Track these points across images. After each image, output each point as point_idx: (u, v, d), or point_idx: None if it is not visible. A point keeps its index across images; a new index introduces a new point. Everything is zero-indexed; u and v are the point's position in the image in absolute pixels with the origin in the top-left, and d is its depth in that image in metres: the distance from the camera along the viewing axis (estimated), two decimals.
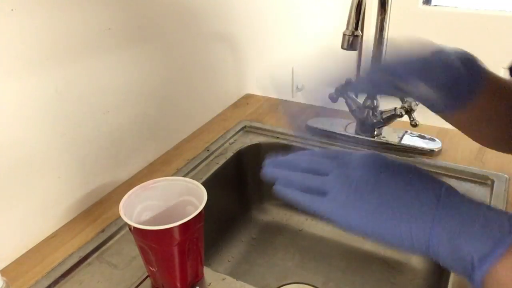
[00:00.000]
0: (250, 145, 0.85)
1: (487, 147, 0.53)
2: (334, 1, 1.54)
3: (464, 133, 0.49)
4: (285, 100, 1.04)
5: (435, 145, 0.79)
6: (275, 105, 1.00)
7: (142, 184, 0.53)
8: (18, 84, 0.54)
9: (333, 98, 0.83)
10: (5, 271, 0.56)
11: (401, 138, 0.82)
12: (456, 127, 0.47)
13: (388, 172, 0.35)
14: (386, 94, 0.44)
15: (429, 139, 0.82)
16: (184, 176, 0.74)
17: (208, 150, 0.82)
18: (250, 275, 0.76)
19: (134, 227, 0.46)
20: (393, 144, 0.81)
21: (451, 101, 0.42)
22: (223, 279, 0.55)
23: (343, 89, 0.43)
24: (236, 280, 0.55)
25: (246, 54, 1.05)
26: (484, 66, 0.42)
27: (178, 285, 0.52)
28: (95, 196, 0.69)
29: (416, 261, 0.77)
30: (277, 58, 1.23)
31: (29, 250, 0.60)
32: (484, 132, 0.48)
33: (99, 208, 0.68)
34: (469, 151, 0.79)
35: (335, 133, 0.85)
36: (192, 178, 0.66)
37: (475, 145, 0.68)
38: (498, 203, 0.65)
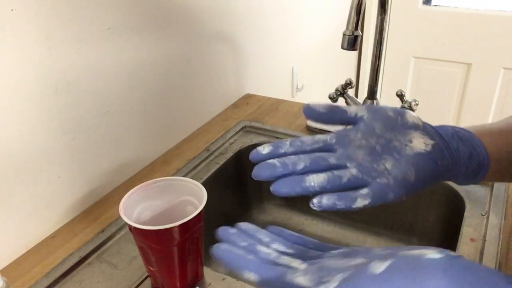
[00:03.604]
0: (250, 145, 0.85)
1: None
2: (334, 1, 1.54)
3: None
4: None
5: None
6: (275, 105, 1.00)
7: (142, 184, 0.53)
8: (18, 84, 0.54)
9: (333, 98, 0.83)
10: (5, 271, 0.56)
11: None
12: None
13: None
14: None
15: None
16: (184, 176, 0.74)
17: (208, 150, 0.82)
18: None
19: (134, 227, 0.46)
20: None
21: (466, 181, 0.41)
22: (223, 279, 0.55)
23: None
24: (236, 280, 0.55)
25: (246, 54, 1.05)
26: (477, 139, 0.40)
27: (178, 285, 0.52)
28: (95, 196, 0.69)
29: None
30: (277, 58, 1.23)
31: (29, 250, 0.60)
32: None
33: (99, 208, 0.68)
34: None
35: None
36: (192, 178, 0.66)
37: None
38: (498, 203, 0.65)
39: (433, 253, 0.28)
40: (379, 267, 0.27)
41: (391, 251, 0.30)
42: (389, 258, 0.28)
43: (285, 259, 0.32)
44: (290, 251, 0.33)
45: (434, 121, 0.42)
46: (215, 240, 0.34)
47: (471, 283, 0.26)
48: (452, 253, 0.29)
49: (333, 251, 0.33)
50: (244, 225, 0.36)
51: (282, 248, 0.33)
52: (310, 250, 0.34)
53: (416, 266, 0.27)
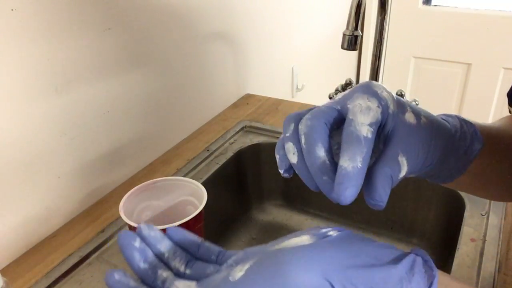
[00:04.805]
0: (250, 145, 0.85)
1: (502, 201, 0.48)
2: (334, 1, 1.54)
3: (470, 194, 0.44)
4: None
5: None
6: (275, 105, 1.00)
7: (142, 184, 0.53)
8: (18, 84, 0.54)
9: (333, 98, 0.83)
10: (5, 271, 0.56)
11: None
12: (459, 190, 0.42)
13: None
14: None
15: None
16: (184, 176, 0.74)
17: (208, 150, 0.82)
18: None
19: (134, 227, 0.46)
20: None
21: (448, 171, 0.37)
22: None
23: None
24: None
25: (246, 54, 1.05)
26: (474, 124, 0.37)
27: None
28: (95, 196, 0.69)
29: None
30: (277, 58, 1.23)
31: (29, 250, 0.60)
32: (491, 189, 0.43)
33: (99, 208, 0.68)
34: None
35: None
36: (192, 178, 0.66)
37: None
38: (498, 203, 0.65)
39: (302, 239, 0.26)
40: (237, 273, 0.25)
41: (263, 248, 0.28)
42: (251, 259, 0.26)
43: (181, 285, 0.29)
44: (188, 271, 0.31)
45: None
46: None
47: (344, 268, 0.24)
48: (330, 231, 0.28)
49: (230, 260, 0.30)
50: (147, 230, 0.32)
51: (182, 267, 0.31)
52: (210, 265, 0.32)
53: (277, 262, 0.25)
